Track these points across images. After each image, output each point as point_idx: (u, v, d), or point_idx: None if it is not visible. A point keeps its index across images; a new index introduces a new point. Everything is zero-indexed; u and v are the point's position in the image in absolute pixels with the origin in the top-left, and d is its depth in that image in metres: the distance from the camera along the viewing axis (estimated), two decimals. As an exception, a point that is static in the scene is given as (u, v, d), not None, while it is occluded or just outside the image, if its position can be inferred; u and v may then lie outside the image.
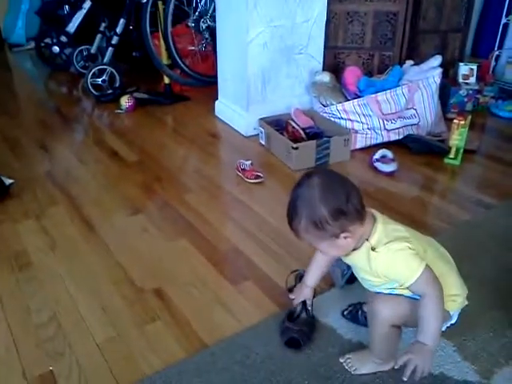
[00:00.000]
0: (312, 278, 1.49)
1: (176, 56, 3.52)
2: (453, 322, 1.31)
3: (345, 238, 1.14)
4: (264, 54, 2.88)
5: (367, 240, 1.19)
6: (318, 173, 1.18)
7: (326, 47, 3.11)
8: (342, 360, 1.40)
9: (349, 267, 1.64)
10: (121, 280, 1.77)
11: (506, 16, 3.86)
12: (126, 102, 3.39)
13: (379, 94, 2.74)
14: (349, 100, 2.81)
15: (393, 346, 1.32)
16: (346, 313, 1.58)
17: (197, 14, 3.60)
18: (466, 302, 1.30)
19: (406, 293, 1.22)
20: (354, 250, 1.21)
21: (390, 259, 1.16)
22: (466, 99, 3.30)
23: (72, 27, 3.98)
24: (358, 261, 1.23)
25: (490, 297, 1.63)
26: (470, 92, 3.31)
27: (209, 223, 2.12)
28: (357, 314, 1.55)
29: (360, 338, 1.48)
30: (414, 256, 1.15)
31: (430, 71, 2.82)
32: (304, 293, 1.50)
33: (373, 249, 1.17)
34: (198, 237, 2.02)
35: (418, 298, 1.19)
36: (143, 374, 1.39)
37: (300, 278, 1.61)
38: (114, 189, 2.43)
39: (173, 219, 2.16)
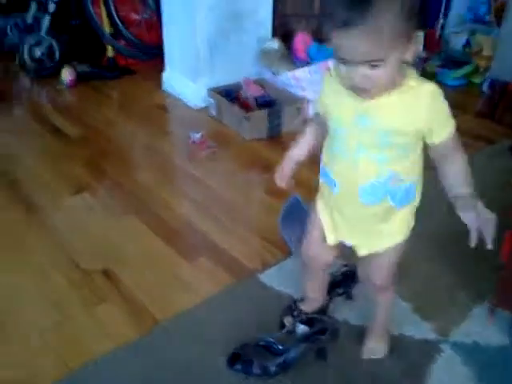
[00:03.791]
0: (298, 150, 1.20)
1: (119, 24, 3.33)
2: None
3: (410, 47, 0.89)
4: (211, 20, 2.76)
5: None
6: None
7: (274, 13, 3.02)
8: (365, 356, 1.33)
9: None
10: (66, 263, 1.67)
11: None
12: (67, 76, 3.19)
13: (330, 60, 2.70)
14: (299, 67, 2.75)
15: None
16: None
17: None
18: None
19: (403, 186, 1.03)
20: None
21: (438, 97, 0.94)
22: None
23: (2, -4, 3.69)
24: (387, 109, 0.94)
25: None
26: (417, 60, 3.32)
27: (159, 199, 2.03)
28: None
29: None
30: None
31: (380, 37, 2.79)
32: (285, 166, 1.20)
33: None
34: (148, 213, 1.94)
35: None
36: (94, 357, 1.32)
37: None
38: (56, 167, 2.28)
39: (121, 196, 2.06)
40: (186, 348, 1.33)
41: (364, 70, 0.86)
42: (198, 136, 2.36)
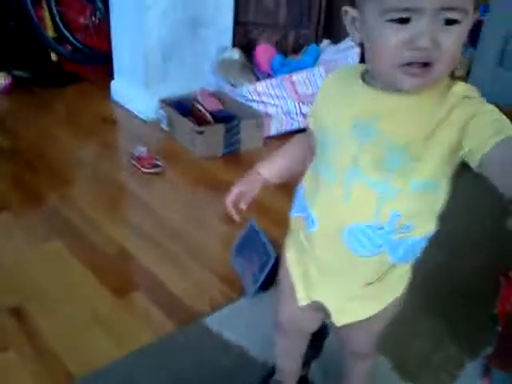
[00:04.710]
0: (273, 167, 0.87)
1: (63, 29, 3.03)
2: None
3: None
4: (164, 25, 2.51)
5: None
6: None
7: (236, 22, 2.80)
8: None
9: (261, 270, 1.36)
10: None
11: None
12: (1, 80, 2.86)
13: (294, 74, 2.49)
14: (261, 80, 2.53)
15: None
16: None
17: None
18: None
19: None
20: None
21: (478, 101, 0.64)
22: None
23: None
24: (407, 113, 0.65)
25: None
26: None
27: (93, 222, 1.72)
28: None
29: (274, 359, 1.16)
30: None
31: (348, 50, 2.61)
32: (246, 185, 0.86)
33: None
34: (76, 238, 1.63)
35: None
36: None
37: None
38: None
39: (46, 217, 1.74)
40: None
41: (436, 29, 0.59)
42: (142, 151, 2.07)
